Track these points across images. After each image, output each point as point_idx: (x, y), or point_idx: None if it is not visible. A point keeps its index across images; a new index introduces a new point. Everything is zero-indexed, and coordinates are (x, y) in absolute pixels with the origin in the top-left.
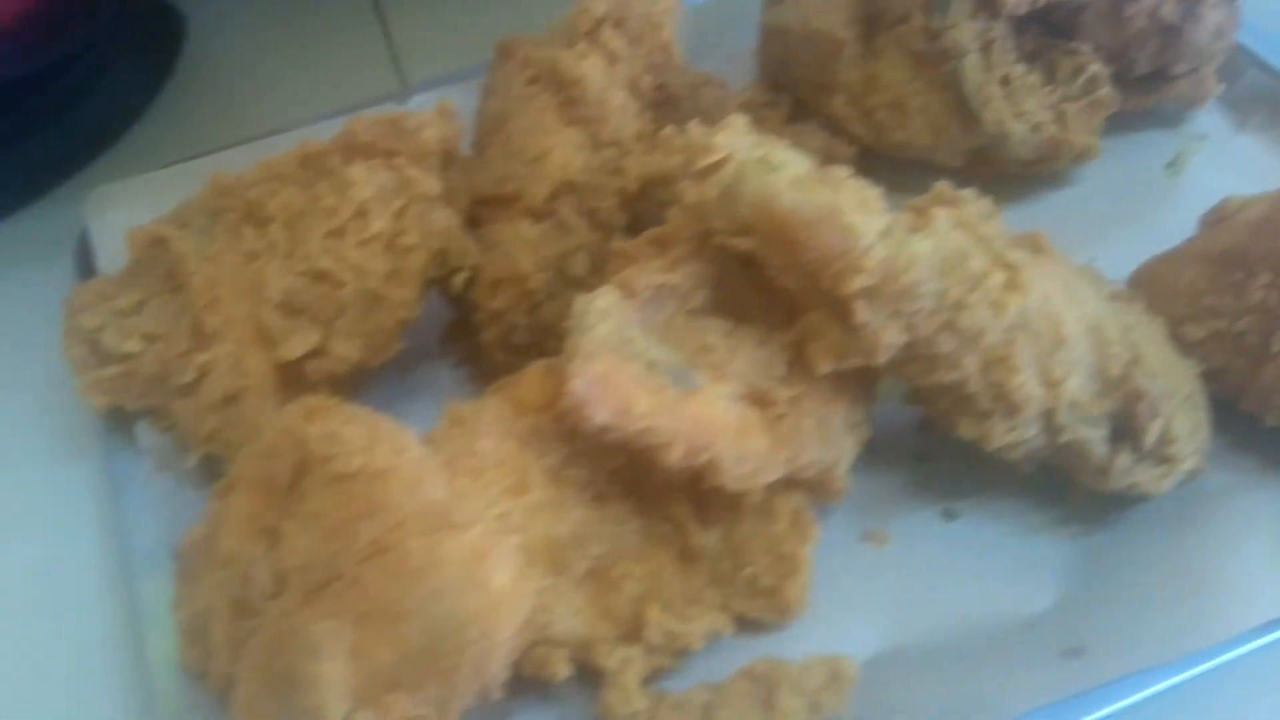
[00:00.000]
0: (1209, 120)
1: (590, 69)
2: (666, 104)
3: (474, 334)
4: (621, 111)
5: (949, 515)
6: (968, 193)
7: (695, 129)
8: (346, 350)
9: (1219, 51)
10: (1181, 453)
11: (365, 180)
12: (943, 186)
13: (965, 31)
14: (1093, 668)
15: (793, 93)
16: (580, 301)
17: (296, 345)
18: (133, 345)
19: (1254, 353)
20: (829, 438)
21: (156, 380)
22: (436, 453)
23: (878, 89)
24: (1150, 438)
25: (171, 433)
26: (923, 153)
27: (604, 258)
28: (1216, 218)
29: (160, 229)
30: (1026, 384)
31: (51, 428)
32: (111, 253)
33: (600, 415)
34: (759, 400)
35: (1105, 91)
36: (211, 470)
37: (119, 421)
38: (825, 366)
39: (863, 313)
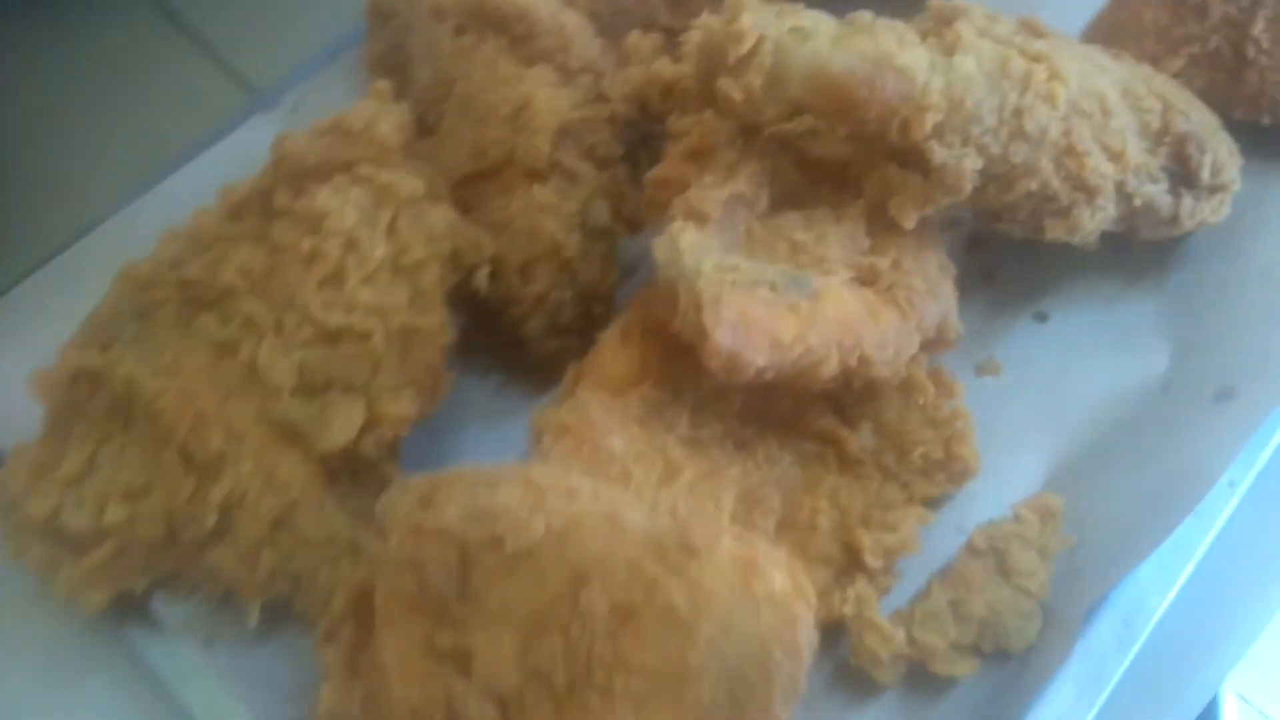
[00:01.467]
0: None
1: None
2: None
3: (502, 333)
4: (583, 32)
5: (1040, 318)
6: (973, 4)
7: (709, 21)
8: (400, 408)
9: None
10: (1231, 176)
11: (338, 205)
12: (938, 3)
13: None
14: (1251, 403)
15: None
16: (660, 247)
17: (343, 428)
18: (115, 513)
19: (1231, 64)
20: (936, 288)
21: (163, 544)
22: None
23: None
24: (1206, 172)
25: (205, 594)
26: None
27: (620, 196)
28: None
29: (77, 359)
30: (1098, 164)
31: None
32: None
33: (758, 357)
34: (867, 277)
35: None
36: (276, 617)
37: (128, 610)
38: (912, 219)
39: (938, 152)
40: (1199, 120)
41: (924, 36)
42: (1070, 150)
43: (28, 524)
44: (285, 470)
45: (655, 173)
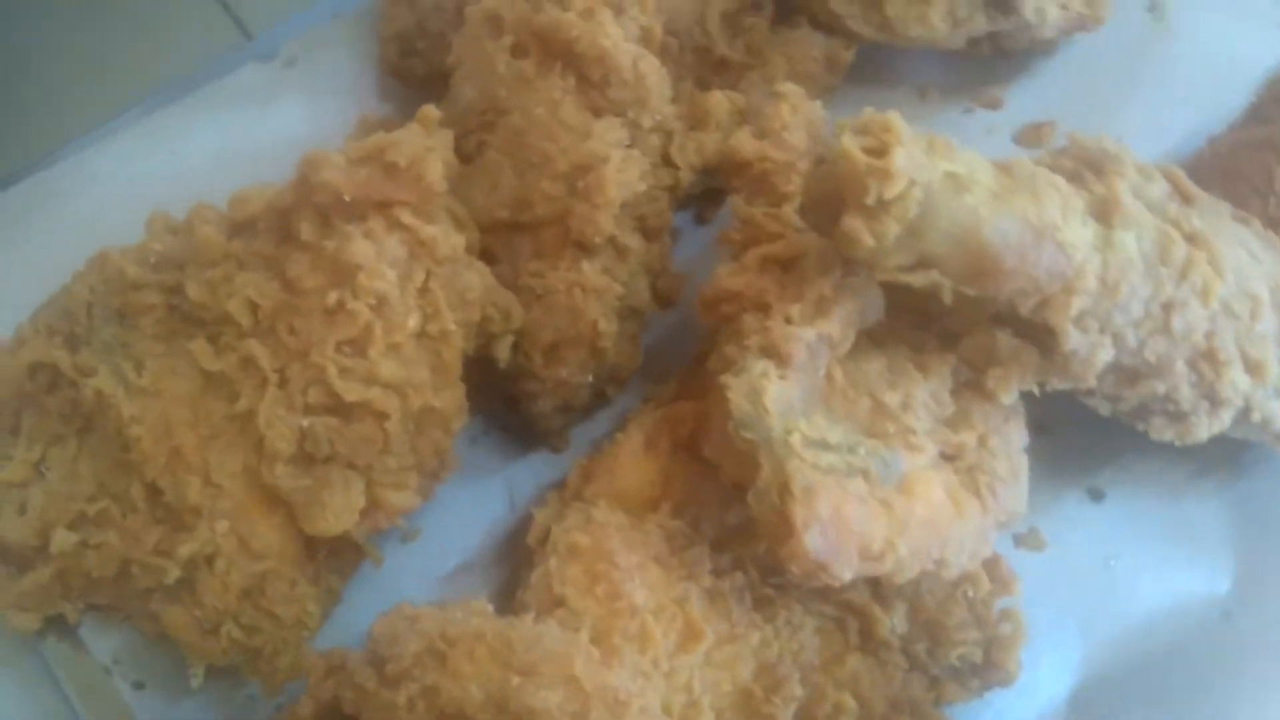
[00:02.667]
0: None
1: (614, 37)
2: (694, 53)
3: (498, 389)
4: (661, 85)
5: (1095, 495)
6: (1124, 150)
7: (850, 143)
8: (403, 499)
9: None
10: None
11: (373, 259)
12: (1085, 141)
13: None
14: None
15: None
16: (739, 396)
17: (339, 515)
18: (62, 540)
19: None
20: (1017, 472)
21: (110, 583)
22: (583, 624)
23: None
24: None
25: (140, 630)
26: (931, 42)
27: (661, 270)
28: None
29: (41, 350)
30: (1235, 377)
31: None
32: None
33: (845, 569)
34: (951, 452)
35: None
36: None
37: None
38: (1012, 395)
39: (1074, 337)
40: None
41: (1070, 178)
42: (1211, 356)
43: None
44: (263, 538)
45: (727, 282)
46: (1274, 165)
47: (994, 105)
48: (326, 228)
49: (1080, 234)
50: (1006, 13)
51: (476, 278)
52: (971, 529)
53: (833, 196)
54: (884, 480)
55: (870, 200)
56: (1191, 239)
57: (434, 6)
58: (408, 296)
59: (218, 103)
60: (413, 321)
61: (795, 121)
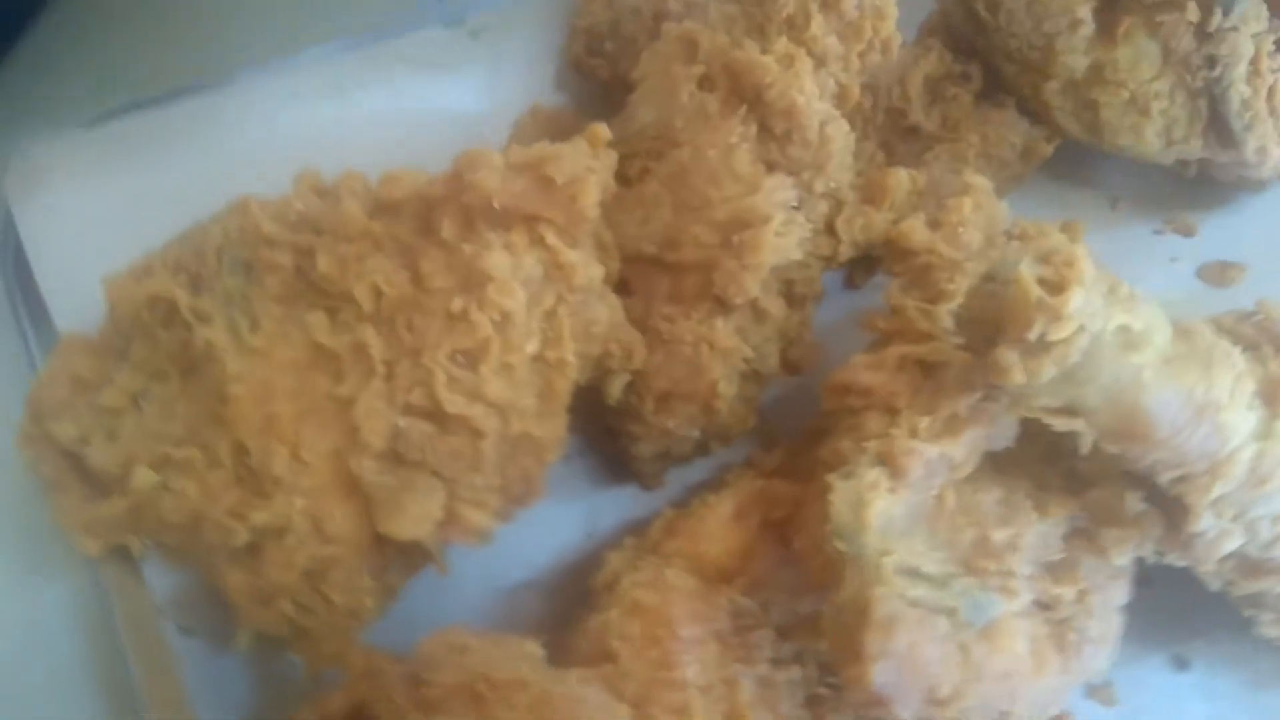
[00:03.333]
0: None
1: (809, 94)
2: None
3: (602, 421)
4: (844, 150)
5: (1179, 664)
6: None
7: (1028, 271)
8: (481, 519)
9: None
10: None
11: (508, 273)
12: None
13: (1245, 38)
14: None
15: (984, 59)
16: (842, 501)
17: (415, 521)
18: (143, 478)
19: None
20: (1107, 634)
21: (180, 530)
22: (628, 686)
23: (1109, 81)
24: None
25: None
26: (1139, 155)
27: (796, 339)
28: None
29: (161, 284)
30: None
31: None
32: (51, 257)
33: (907, 710)
34: (1046, 602)
35: None
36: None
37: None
38: (1123, 559)
39: (1206, 519)
40: None
41: (1248, 347)
42: None
43: (50, 442)
44: (337, 523)
45: (860, 374)
46: None
47: (1186, 232)
48: (469, 230)
49: (1243, 418)
50: (1226, 145)
51: (606, 311)
52: (1048, 686)
53: (994, 317)
54: (970, 622)
55: (1033, 336)
56: None
57: (632, 9)
58: (533, 318)
59: (395, 61)
60: (532, 346)
61: (975, 219)
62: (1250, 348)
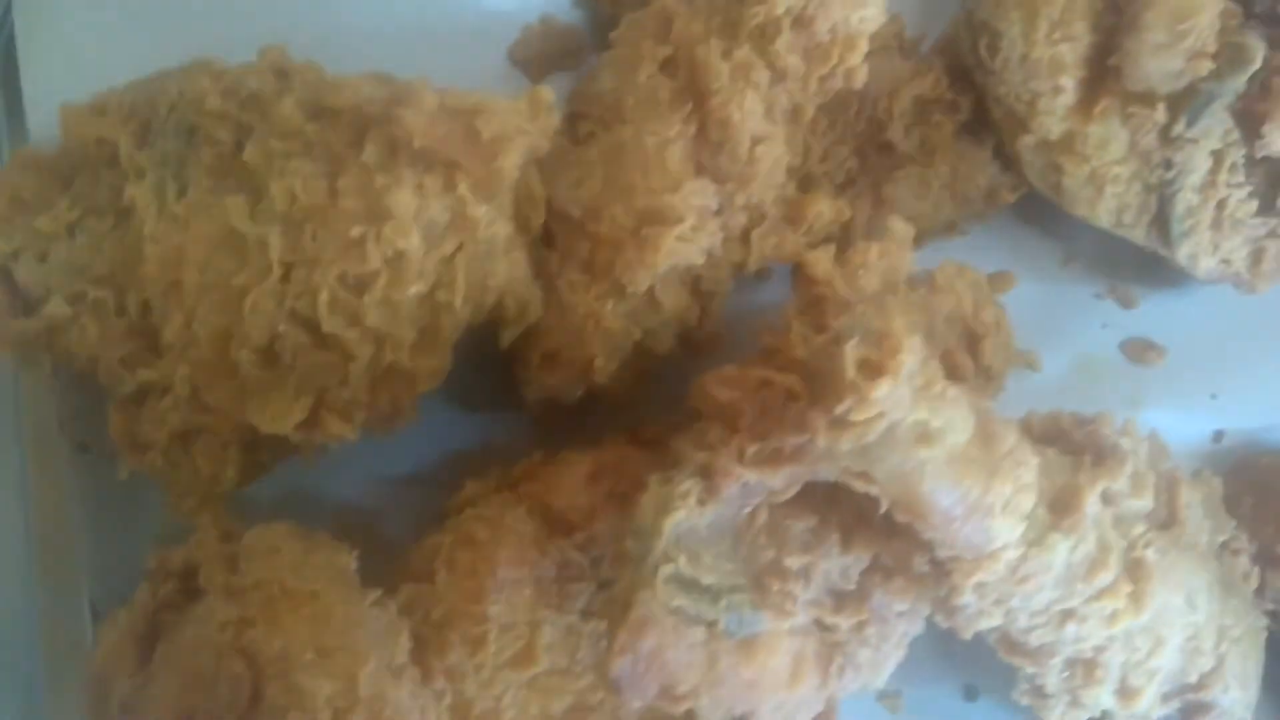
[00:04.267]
0: None
1: (749, 111)
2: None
3: (494, 357)
4: (773, 173)
5: (969, 694)
6: (1131, 454)
7: (850, 352)
8: (341, 428)
9: None
10: None
11: (410, 209)
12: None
13: (1203, 152)
14: None
15: (978, 94)
16: (647, 506)
17: (275, 418)
18: (56, 307)
19: None
20: (876, 667)
21: (80, 365)
22: (435, 608)
23: (1076, 152)
24: None
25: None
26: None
27: (697, 326)
28: None
29: (110, 127)
30: (1103, 696)
31: None
32: (39, 61)
33: (637, 699)
34: (824, 626)
35: None
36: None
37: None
38: (901, 606)
39: (967, 597)
40: (1233, 701)
41: (1069, 452)
42: (1089, 667)
43: None
44: (215, 395)
45: (715, 389)
46: None
47: (1126, 303)
48: (390, 160)
49: (1011, 527)
50: (1164, 243)
51: (505, 267)
52: (799, 700)
53: (817, 377)
54: (730, 633)
55: (839, 410)
56: (1134, 566)
57: None
58: (429, 260)
59: None
60: (420, 286)
61: (877, 266)
62: (1071, 452)
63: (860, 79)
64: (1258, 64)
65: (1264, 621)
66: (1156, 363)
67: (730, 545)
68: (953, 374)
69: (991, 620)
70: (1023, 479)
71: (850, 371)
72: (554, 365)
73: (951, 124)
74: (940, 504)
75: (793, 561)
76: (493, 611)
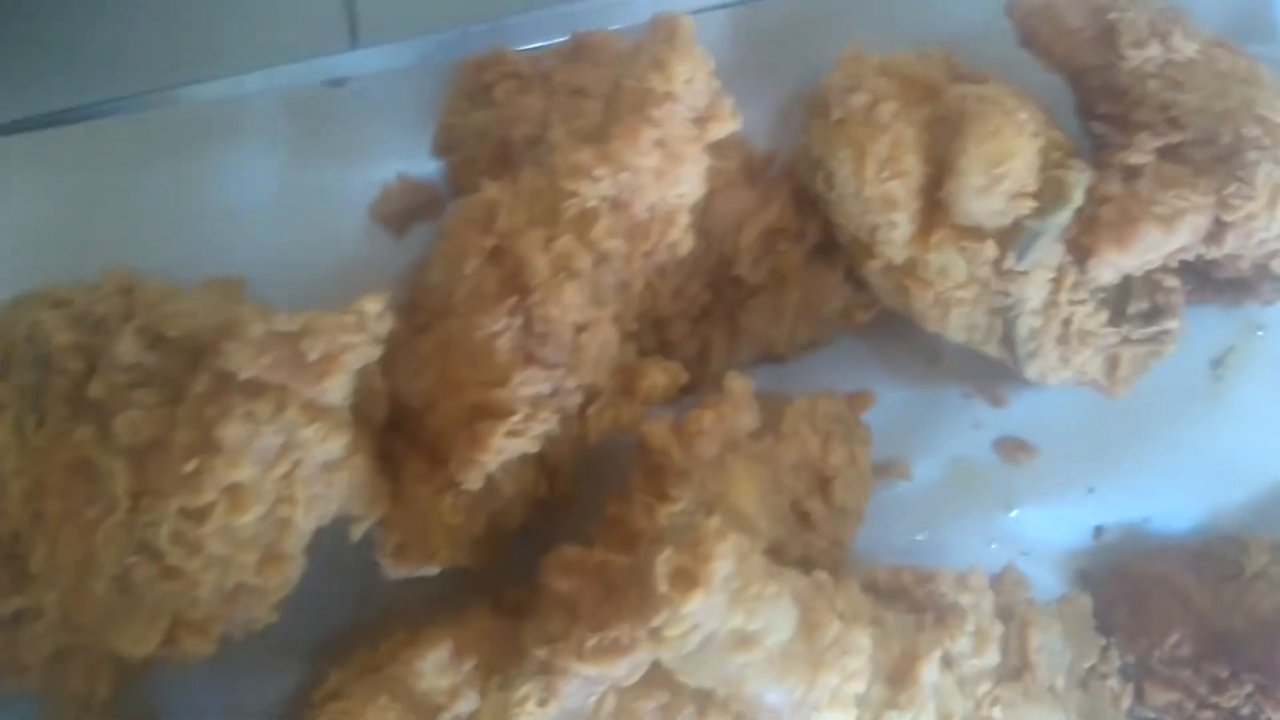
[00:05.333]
0: (1269, 312)
1: (566, 305)
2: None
3: None
4: (599, 356)
5: None
6: (973, 610)
7: (662, 562)
8: (198, 645)
9: None
10: None
11: (241, 439)
12: (944, 591)
13: (1034, 285)
14: None
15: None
16: (490, 714)
17: (136, 641)
18: None
19: None
20: None
21: None
22: None
23: (921, 277)
24: None
25: None
26: None
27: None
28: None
29: None
30: None
31: None
32: None
33: None
34: None
35: (1172, 345)
36: None
37: None
38: None
39: None
40: None
41: (912, 609)
42: None
43: None
44: (81, 619)
45: (556, 580)
46: (1176, 616)
47: (996, 402)
48: (220, 389)
49: (843, 716)
50: (1013, 362)
51: (345, 475)
52: None
53: (642, 579)
54: None
55: (653, 624)
56: None
57: (479, 130)
58: (265, 482)
59: (277, 109)
60: (255, 512)
61: (714, 431)
62: (915, 610)
63: (685, 248)
64: (1078, 202)
65: None
66: (1028, 461)
67: None
68: (802, 521)
69: None
70: (849, 666)
71: (663, 585)
72: (403, 555)
73: (799, 251)
74: (767, 703)
75: None
76: None
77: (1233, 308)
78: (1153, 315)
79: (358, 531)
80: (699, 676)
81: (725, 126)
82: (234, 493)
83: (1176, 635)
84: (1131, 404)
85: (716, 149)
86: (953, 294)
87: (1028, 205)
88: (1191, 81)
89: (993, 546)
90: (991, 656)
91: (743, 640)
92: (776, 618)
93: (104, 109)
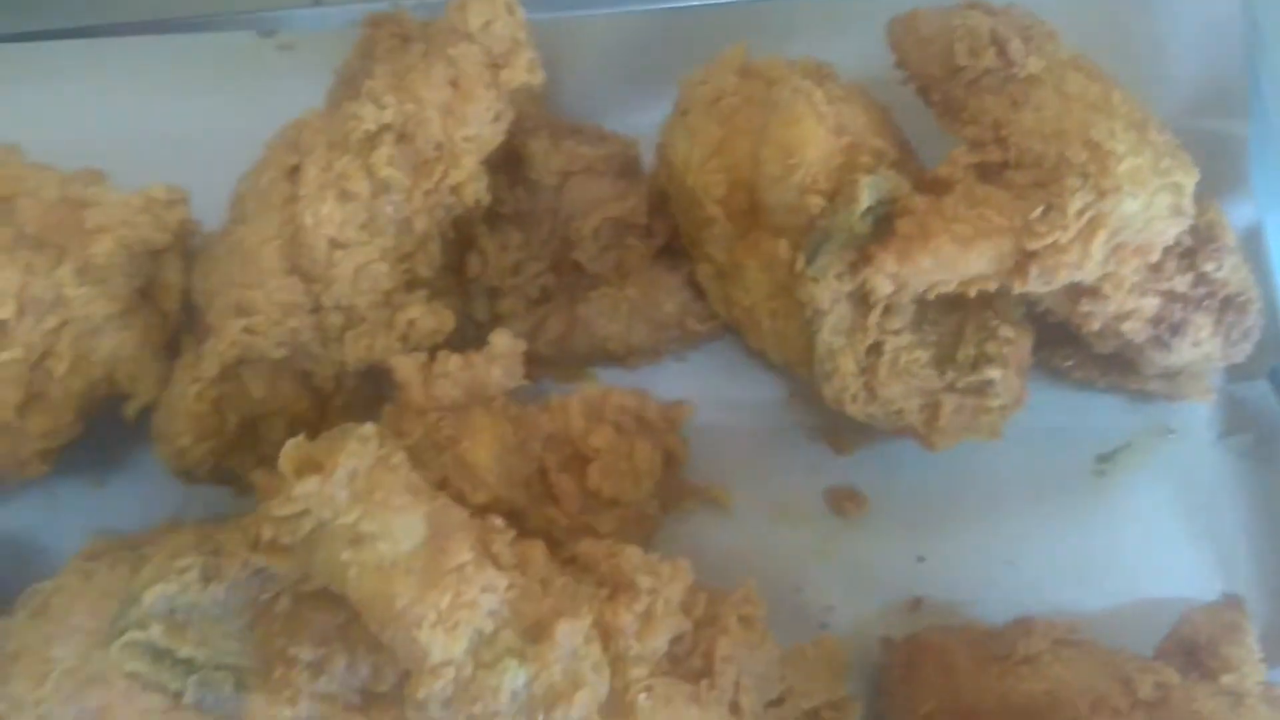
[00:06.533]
0: (1185, 412)
1: (323, 219)
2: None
3: None
4: (356, 280)
5: None
6: (641, 589)
7: (287, 451)
8: None
9: (1213, 367)
10: None
11: (14, 284)
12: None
13: (827, 291)
14: None
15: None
16: (140, 577)
17: None
18: None
19: None
20: None
21: None
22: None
23: (740, 285)
24: None
25: None
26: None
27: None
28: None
29: None
30: None
31: None
32: None
33: None
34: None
35: (1001, 402)
36: None
37: None
38: None
39: (435, 713)
40: None
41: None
42: None
43: None
44: None
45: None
46: (935, 689)
47: (839, 449)
48: (16, 240)
49: (447, 643)
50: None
51: (110, 344)
52: None
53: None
54: (208, 708)
55: (274, 509)
56: (620, 708)
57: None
58: (33, 333)
59: (204, 54)
60: (13, 353)
61: (459, 376)
62: (600, 584)
63: (471, 196)
64: (866, 203)
65: None
66: (853, 513)
67: (245, 626)
68: (547, 493)
69: None
70: (465, 595)
71: (286, 467)
72: (158, 438)
73: (645, 249)
74: (368, 608)
75: (303, 651)
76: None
77: (1142, 402)
78: (979, 363)
79: (131, 409)
80: (316, 567)
81: (519, 76)
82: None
83: (929, 707)
84: (993, 480)
85: (588, 136)
86: (764, 305)
87: (818, 203)
88: (1032, 100)
89: (797, 593)
90: (655, 643)
91: (355, 538)
92: (398, 528)
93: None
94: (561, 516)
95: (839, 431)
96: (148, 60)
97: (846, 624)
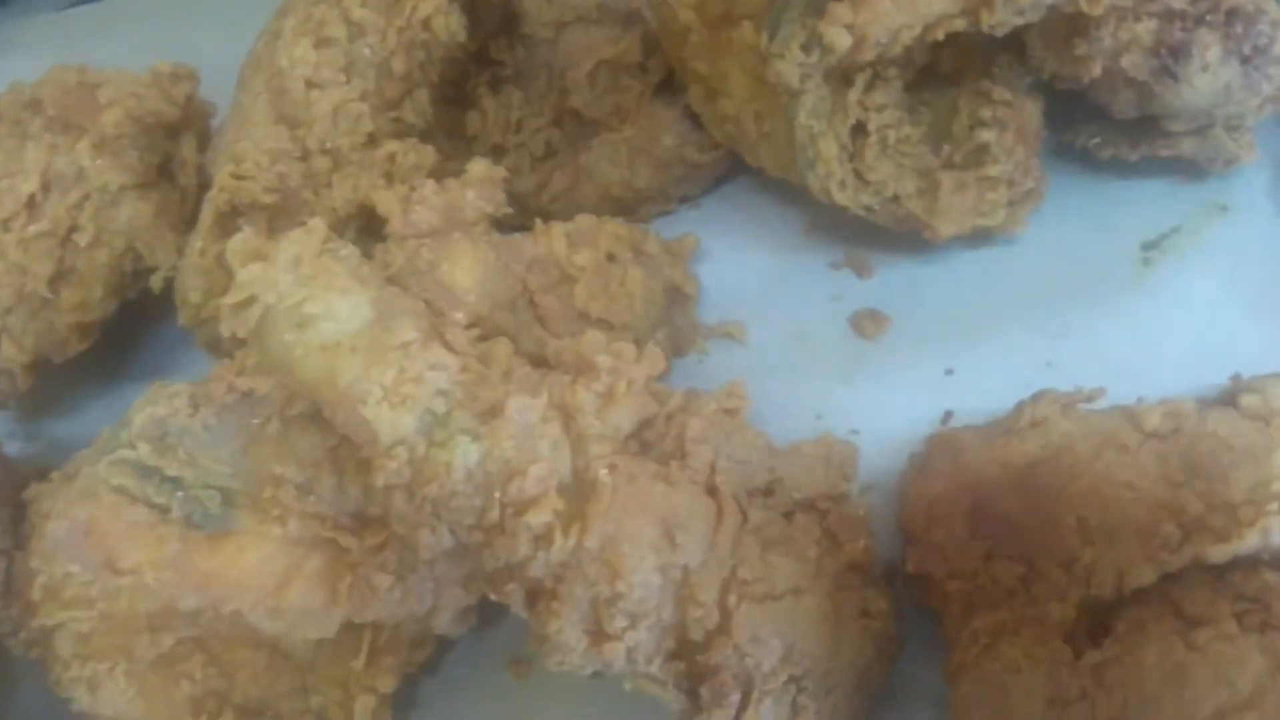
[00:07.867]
0: (1240, 186)
1: (299, 60)
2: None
3: None
4: (335, 120)
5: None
6: (600, 368)
7: (235, 242)
8: (13, 352)
9: (1245, 111)
10: None
11: (39, 163)
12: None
13: (794, 66)
14: None
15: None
16: (136, 403)
17: None
18: None
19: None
20: (412, 591)
21: None
22: None
23: (725, 94)
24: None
25: None
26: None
27: None
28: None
29: None
30: (565, 632)
31: None
32: None
33: (74, 564)
34: (328, 545)
35: (1000, 168)
36: None
37: None
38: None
39: (399, 504)
40: (761, 661)
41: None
42: (548, 598)
43: None
44: None
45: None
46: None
47: (861, 271)
48: (44, 127)
49: (394, 420)
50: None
51: (127, 214)
52: (298, 611)
53: None
54: (196, 524)
55: (225, 299)
56: (582, 485)
57: None
58: (59, 207)
59: None
60: (41, 225)
61: (434, 202)
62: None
63: (442, 29)
64: None
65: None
66: (875, 335)
67: (238, 451)
68: (535, 314)
69: (431, 537)
70: (410, 370)
71: (234, 260)
72: (180, 307)
73: (640, 86)
74: (315, 390)
75: (291, 472)
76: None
77: (1191, 182)
78: (974, 129)
79: (156, 281)
80: (266, 355)
81: None
82: (32, 207)
83: (936, 490)
84: (1027, 284)
85: None
86: (747, 108)
87: None
88: None
89: (818, 419)
90: (616, 419)
91: (300, 321)
92: (342, 309)
93: None
94: (550, 337)
95: (864, 256)
96: None
97: (873, 445)
